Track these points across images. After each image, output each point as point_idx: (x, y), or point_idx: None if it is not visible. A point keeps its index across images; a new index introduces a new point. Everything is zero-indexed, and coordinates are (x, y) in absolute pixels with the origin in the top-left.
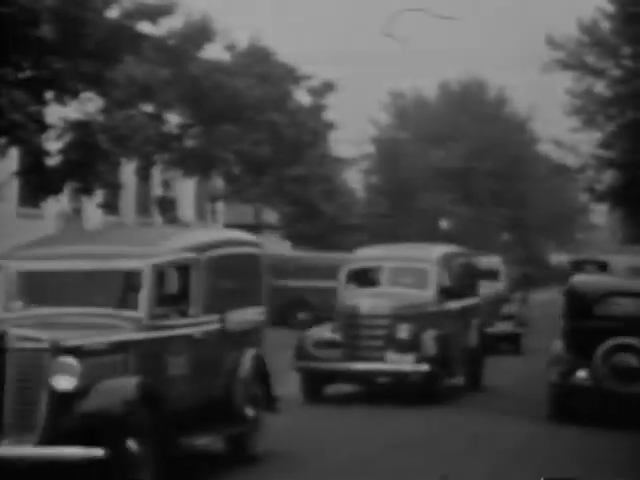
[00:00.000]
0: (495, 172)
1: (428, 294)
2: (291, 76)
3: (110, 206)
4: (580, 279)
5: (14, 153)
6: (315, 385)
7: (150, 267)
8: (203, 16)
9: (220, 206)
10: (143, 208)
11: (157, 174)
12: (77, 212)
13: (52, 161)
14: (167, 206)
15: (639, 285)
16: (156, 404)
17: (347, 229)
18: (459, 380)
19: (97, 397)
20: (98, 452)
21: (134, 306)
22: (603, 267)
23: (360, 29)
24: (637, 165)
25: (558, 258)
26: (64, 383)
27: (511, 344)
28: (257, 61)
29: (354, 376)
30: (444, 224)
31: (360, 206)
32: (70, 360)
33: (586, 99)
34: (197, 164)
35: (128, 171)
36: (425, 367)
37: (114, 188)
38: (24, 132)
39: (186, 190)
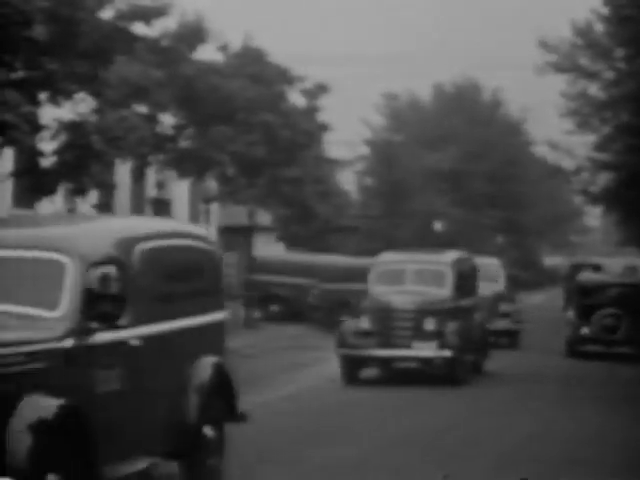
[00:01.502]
0: (490, 174)
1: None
2: (285, 77)
3: (104, 207)
4: (584, 276)
5: (9, 154)
6: None
7: None
8: (196, 17)
9: (214, 207)
10: (137, 209)
11: (151, 175)
12: (71, 213)
13: (46, 162)
14: (161, 207)
15: (618, 280)
16: None
17: (341, 231)
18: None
19: None
20: None
21: None
22: (597, 269)
23: (354, 31)
24: (631, 168)
25: (553, 260)
26: None
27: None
28: (250, 62)
29: None
30: (438, 226)
31: (354, 208)
32: None
33: (580, 102)
34: (191, 165)
35: (122, 172)
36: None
37: (108, 189)
38: (17, 133)
39: (180, 191)
